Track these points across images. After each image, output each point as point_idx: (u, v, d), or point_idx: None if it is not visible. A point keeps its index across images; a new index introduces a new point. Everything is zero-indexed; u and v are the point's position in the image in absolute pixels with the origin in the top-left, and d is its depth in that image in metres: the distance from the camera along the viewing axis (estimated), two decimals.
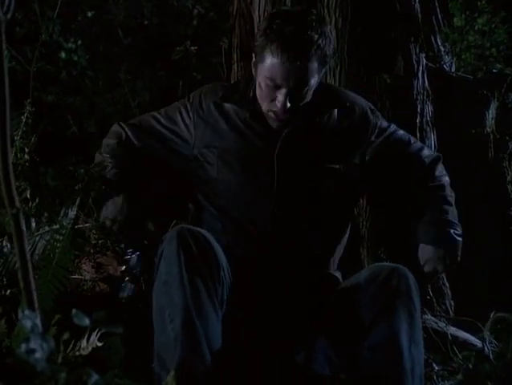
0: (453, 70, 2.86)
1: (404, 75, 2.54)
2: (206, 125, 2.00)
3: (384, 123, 2.04)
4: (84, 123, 4.85)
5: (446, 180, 2.05)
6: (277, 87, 1.83)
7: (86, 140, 4.37)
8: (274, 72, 1.81)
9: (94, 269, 2.23)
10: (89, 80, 5.20)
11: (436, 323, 2.33)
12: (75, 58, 5.19)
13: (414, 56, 2.58)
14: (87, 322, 1.33)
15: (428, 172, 2.03)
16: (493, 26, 4.25)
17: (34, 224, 1.44)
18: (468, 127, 2.70)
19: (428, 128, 2.55)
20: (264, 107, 1.90)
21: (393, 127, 2.05)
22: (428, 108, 2.59)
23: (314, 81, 1.86)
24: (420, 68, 2.58)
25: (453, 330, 2.28)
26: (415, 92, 2.55)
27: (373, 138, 1.99)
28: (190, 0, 5.54)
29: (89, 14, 5.32)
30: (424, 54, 2.62)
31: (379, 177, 2.04)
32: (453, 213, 2.00)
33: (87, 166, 2.11)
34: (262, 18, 2.67)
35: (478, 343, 2.28)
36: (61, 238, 1.47)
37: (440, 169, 2.06)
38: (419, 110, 2.55)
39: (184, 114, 2.05)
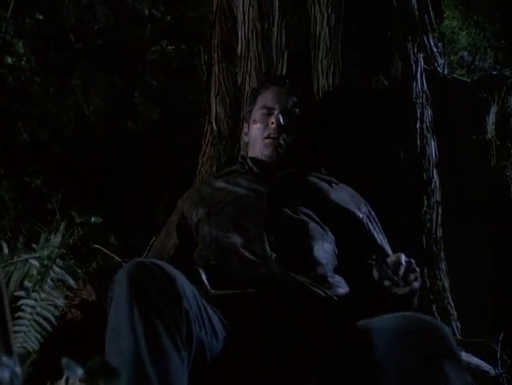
0: (445, 72, 2.68)
1: (401, 77, 2.34)
2: (198, 197, 2.10)
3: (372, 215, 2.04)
4: (35, 131, 4.61)
5: None
6: (270, 113, 2.11)
7: (38, 148, 4.14)
8: (266, 100, 2.15)
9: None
10: (38, 86, 5.01)
11: None
12: (23, 62, 5.02)
13: (412, 56, 2.36)
14: (79, 373, 1.08)
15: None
16: (453, 32, 4.18)
17: (6, 250, 1.17)
18: (467, 133, 2.54)
19: (428, 135, 2.33)
20: (260, 138, 2.10)
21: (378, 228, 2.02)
22: (428, 113, 2.39)
23: (297, 119, 2.10)
24: (419, 70, 2.37)
25: (465, 356, 2.08)
26: (414, 96, 2.33)
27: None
28: (145, 3, 5.41)
29: (37, 17, 5.12)
30: (422, 55, 2.41)
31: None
32: None
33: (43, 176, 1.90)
34: (246, 16, 2.45)
35: (491, 369, 2.10)
36: (43, 270, 1.21)
37: None
38: (418, 115, 2.33)
39: (179, 204, 2.15)
